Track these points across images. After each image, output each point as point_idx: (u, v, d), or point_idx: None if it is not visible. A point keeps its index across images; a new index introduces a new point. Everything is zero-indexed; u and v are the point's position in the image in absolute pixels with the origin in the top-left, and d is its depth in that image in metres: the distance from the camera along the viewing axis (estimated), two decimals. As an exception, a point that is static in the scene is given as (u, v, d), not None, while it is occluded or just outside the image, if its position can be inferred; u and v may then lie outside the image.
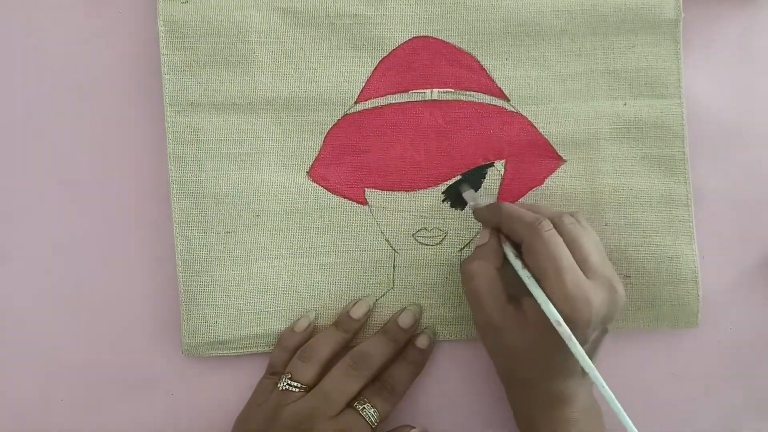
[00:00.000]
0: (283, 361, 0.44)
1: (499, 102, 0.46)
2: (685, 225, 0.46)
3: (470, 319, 0.46)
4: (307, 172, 0.46)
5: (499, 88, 0.46)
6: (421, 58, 0.46)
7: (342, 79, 0.46)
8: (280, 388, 0.42)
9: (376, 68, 0.46)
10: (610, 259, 0.44)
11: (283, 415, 0.41)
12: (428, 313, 0.46)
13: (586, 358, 0.37)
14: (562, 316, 0.37)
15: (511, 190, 0.46)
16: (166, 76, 0.45)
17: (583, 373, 0.40)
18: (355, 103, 0.46)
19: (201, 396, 0.46)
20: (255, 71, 0.45)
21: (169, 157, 0.45)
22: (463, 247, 0.46)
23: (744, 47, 0.49)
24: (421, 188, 0.46)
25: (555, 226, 0.40)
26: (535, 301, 0.39)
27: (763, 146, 0.48)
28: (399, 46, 0.46)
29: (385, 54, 0.46)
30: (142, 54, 0.46)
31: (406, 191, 0.46)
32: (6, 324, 0.46)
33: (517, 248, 0.41)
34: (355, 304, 0.45)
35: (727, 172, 0.48)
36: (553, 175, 0.47)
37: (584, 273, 0.39)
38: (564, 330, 0.37)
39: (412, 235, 0.46)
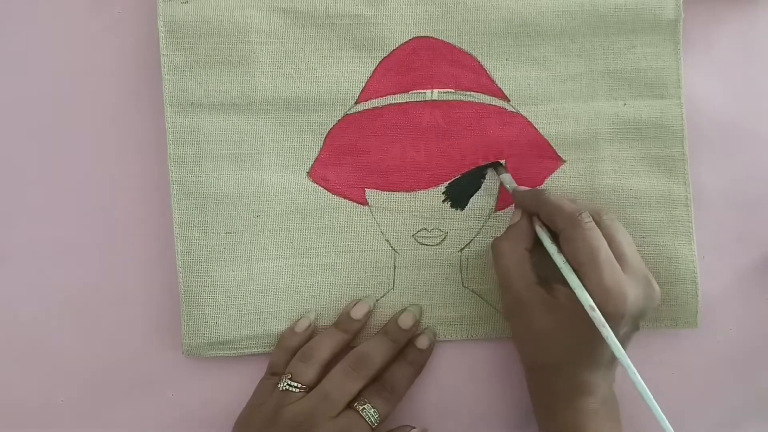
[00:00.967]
0: (284, 362, 0.44)
1: (499, 102, 0.46)
2: (684, 225, 0.46)
3: (471, 320, 0.46)
4: (307, 172, 0.46)
5: (500, 89, 0.46)
6: (422, 59, 0.46)
7: (342, 79, 0.46)
8: (281, 389, 0.42)
9: (376, 68, 0.46)
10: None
11: (284, 416, 0.41)
12: (428, 313, 0.46)
13: (618, 345, 0.37)
14: (597, 307, 0.38)
15: (511, 190, 0.46)
16: (166, 77, 0.45)
17: (609, 364, 0.40)
18: (356, 103, 0.46)
19: (201, 396, 0.46)
20: (255, 71, 0.45)
21: (169, 158, 0.45)
22: (464, 248, 0.46)
23: (744, 47, 0.49)
24: (421, 188, 0.46)
25: (593, 220, 0.40)
26: (568, 286, 0.39)
27: (762, 146, 0.48)
28: (399, 47, 0.46)
29: (385, 54, 0.46)
30: (142, 54, 0.46)
31: (407, 191, 0.46)
32: (6, 324, 0.46)
33: (553, 234, 0.42)
34: (355, 304, 0.45)
35: (726, 172, 0.48)
36: (552, 175, 0.47)
37: (621, 267, 0.39)
38: (597, 316, 0.37)
39: (413, 235, 0.46)
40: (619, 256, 0.40)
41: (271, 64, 0.45)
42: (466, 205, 0.46)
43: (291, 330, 0.45)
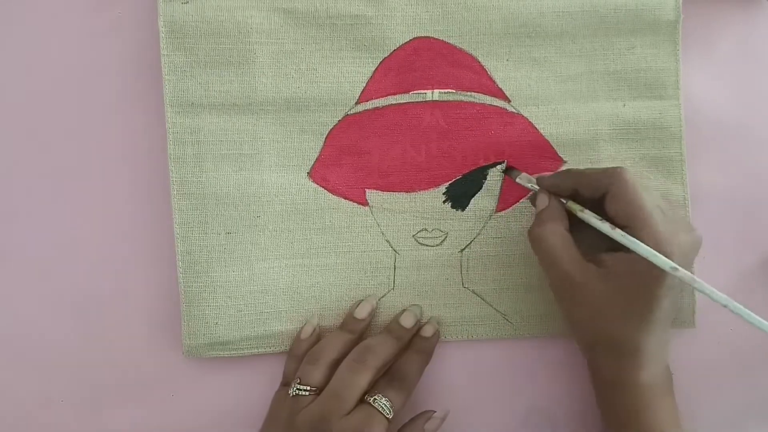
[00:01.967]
0: (294, 370, 0.44)
1: (499, 103, 0.46)
2: (682, 225, 0.47)
3: (471, 320, 0.46)
4: (307, 172, 0.46)
5: (500, 89, 0.46)
6: (422, 59, 0.46)
7: (343, 79, 0.46)
8: (291, 395, 0.42)
9: (377, 69, 0.46)
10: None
11: (298, 422, 0.40)
12: (428, 313, 0.46)
13: (716, 291, 0.37)
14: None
15: (512, 190, 0.46)
16: (167, 77, 0.45)
17: (667, 329, 0.41)
18: (356, 103, 0.46)
19: (201, 397, 0.46)
20: (256, 72, 0.45)
21: (170, 158, 0.45)
22: (464, 248, 0.46)
23: (743, 48, 0.49)
24: (421, 189, 0.46)
25: None
26: (616, 253, 0.39)
27: (762, 147, 0.49)
28: (400, 47, 0.46)
29: (386, 54, 0.46)
30: (143, 55, 0.46)
31: (407, 192, 0.46)
32: (7, 325, 0.46)
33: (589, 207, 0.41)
34: (359, 304, 0.45)
35: (726, 173, 0.48)
36: (553, 175, 0.47)
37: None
38: (683, 273, 0.37)
39: (413, 235, 0.46)
40: (659, 208, 0.40)
41: (271, 65, 0.45)
42: (467, 205, 0.46)
43: (297, 338, 0.45)
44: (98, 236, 0.46)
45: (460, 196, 0.46)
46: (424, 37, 0.46)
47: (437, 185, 0.46)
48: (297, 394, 0.42)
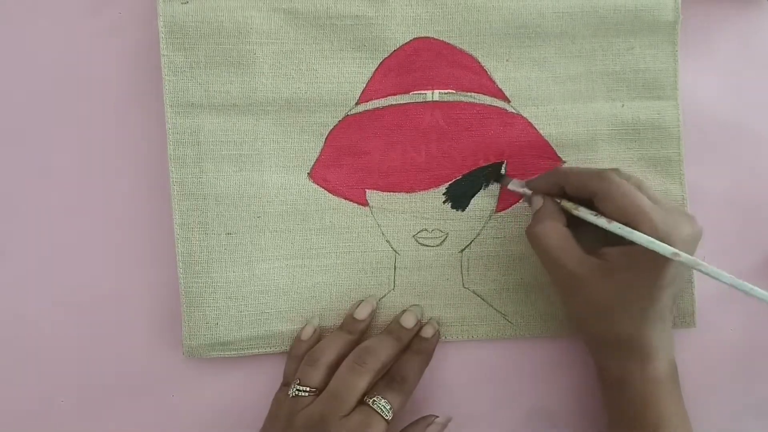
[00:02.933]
0: (294, 371, 0.44)
1: (499, 103, 0.46)
2: (680, 225, 0.47)
3: (471, 321, 0.46)
4: (307, 173, 0.46)
5: (500, 90, 0.46)
6: (422, 59, 0.46)
7: (343, 80, 0.46)
8: (291, 395, 0.42)
9: (377, 69, 0.46)
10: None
11: (297, 422, 0.40)
12: (429, 314, 0.46)
13: (722, 272, 0.37)
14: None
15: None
16: (167, 78, 0.44)
17: (671, 321, 0.41)
18: (356, 104, 0.46)
19: (202, 397, 0.46)
20: (255, 72, 0.45)
21: (170, 159, 0.45)
22: (464, 249, 0.47)
23: (742, 49, 0.49)
24: (422, 189, 0.46)
25: None
26: (616, 247, 0.39)
27: (761, 147, 0.49)
28: (400, 47, 0.46)
29: (386, 55, 0.46)
30: (143, 55, 0.46)
31: (407, 192, 0.46)
32: (7, 325, 0.46)
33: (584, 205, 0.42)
34: (359, 305, 0.45)
35: (725, 173, 0.49)
36: (552, 176, 0.47)
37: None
38: (685, 257, 0.37)
39: (413, 236, 0.47)
40: (654, 201, 0.40)
41: (271, 65, 0.45)
42: (467, 206, 0.46)
43: (298, 339, 0.45)
44: (98, 237, 0.46)
45: (460, 196, 0.46)
46: (425, 37, 0.46)
47: (437, 185, 0.46)
48: (296, 395, 0.41)
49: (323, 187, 0.46)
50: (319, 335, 0.45)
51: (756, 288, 0.36)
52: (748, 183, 0.49)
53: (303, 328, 0.45)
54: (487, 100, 0.46)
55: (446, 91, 0.46)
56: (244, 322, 0.45)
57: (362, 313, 0.45)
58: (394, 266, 0.46)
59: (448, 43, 0.46)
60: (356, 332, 0.44)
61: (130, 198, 0.46)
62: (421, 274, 0.46)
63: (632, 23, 0.46)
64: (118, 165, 0.46)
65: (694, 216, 0.41)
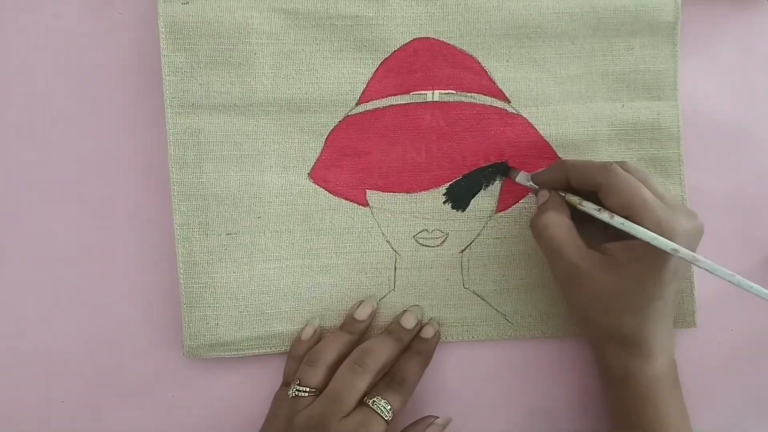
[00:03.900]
0: (294, 371, 0.44)
1: (499, 104, 0.46)
2: (681, 226, 0.47)
3: (471, 321, 0.46)
4: (308, 173, 0.46)
5: (500, 90, 0.46)
6: (423, 60, 0.46)
7: (343, 80, 0.46)
8: (291, 395, 0.42)
9: (377, 70, 0.46)
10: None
11: (296, 423, 0.40)
12: (429, 314, 0.46)
13: (720, 267, 0.37)
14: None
15: (512, 191, 0.47)
16: (167, 78, 0.44)
17: (672, 317, 0.41)
18: (357, 104, 0.46)
19: (202, 398, 0.46)
20: (256, 73, 0.45)
21: (170, 159, 0.45)
22: (464, 249, 0.47)
23: (742, 49, 0.49)
24: (422, 190, 0.46)
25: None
26: (618, 242, 0.39)
27: (761, 148, 0.49)
28: (400, 48, 0.46)
29: (386, 55, 0.46)
30: (143, 55, 0.46)
31: (407, 193, 0.46)
32: (8, 326, 0.46)
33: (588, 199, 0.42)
34: (359, 305, 0.45)
35: (725, 173, 0.49)
36: (553, 176, 0.47)
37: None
38: (685, 252, 0.37)
39: (413, 236, 0.47)
40: (658, 196, 0.40)
41: (271, 65, 0.45)
42: (467, 206, 0.46)
43: (298, 339, 0.45)
44: (99, 237, 0.46)
45: (460, 196, 0.46)
46: (425, 37, 0.46)
47: (437, 186, 0.46)
48: (296, 395, 0.42)
49: (323, 188, 0.46)
50: (320, 335, 0.45)
51: (754, 285, 0.37)
52: (748, 183, 0.49)
53: (303, 329, 0.45)
54: (487, 100, 0.46)
55: (446, 91, 0.46)
56: (244, 323, 0.45)
57: (362, 314, 0.45)
58: (395, 266, 0.46)
59: (448, 44, 0.46)
60: (356, 333, 0.44)
61: (130, 198, 0.46)
62: (421, 275, 0.47)
63: (632, 24, 0.47)
64: (118, 165, 0.46)
65: (695, 212, 0.41)
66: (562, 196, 0.43)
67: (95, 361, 0.46)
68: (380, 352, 0.42)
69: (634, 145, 0.47)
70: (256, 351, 0.45)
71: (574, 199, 0.42)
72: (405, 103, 0.46)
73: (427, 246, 0.47)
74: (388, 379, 0.43)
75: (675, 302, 0.42)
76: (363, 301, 0.46)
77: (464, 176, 0.46)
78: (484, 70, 0.46)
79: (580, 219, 0.42)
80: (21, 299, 0.46)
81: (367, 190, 0.46)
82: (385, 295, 0.46)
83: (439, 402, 0.46)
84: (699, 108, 0.48)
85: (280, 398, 0.43)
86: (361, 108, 0.46)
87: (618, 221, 0.39)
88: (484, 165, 0.46)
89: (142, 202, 0.46)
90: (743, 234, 0.48)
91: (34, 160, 0.46)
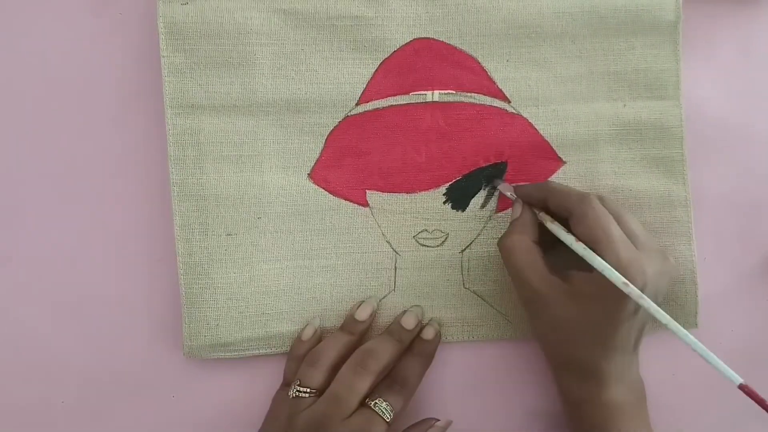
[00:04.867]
0: (294, 371, 0.44)
1: (500, 104, 0.46)
2: (683, 226, 0.47)
3: (472, 321, 0.46)
4: (308, 174, 0.46)
5: (500, 90, 0.46)
6: (423, 60, 0.46)
7: (343, 80, 0.46)
8: (291, 396, 0.42)
9: (377, 70, 0.46)
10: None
11: (297, 424, 0.40)
12: (429, 314, 0.46)
13: (660, 310, 0.37)
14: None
15: (512, 191, 0.47)
16: (167, 78, 0.45)
17: (636, 346, 0.41)
18: (356, 104, 0.46)
19: (202, 399, 0.46)
20: (256, 73, 0.45)
21: (170, 160, 0.45)
22: (465, 249, 0.46)
23: (744, 49, 0.49)
24: (422, 190, 0.46)
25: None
26: (583, 272, 0.39)
27: (763, 147, 0.49)
28: (400, 48, 0.46)
29: (386, 55, 0.46)
30: (143, 56, 0.46)
31: (407, 193, 0.46)
32: (8, 327, 0.46)
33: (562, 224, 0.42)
34: (359, 306, 0.45)
35: (727, 174, 0.48)
36: (553, 176, 0.47)
37: (634, 245, 0.39)
38: (632, 290, 0.37)
39: (413, 236, 0.46)
40: (630, 235, 0.40)
41: (271, 66, 0.45)
42: (467, 206, 0.46)
43: (298, 339, 0.45)
44: (99, 238, 0.46)
45: (460, 196, 0.46)
46: (424, 38, 0.46)
47: (437, 186, 0.46)
48: (297, 396, 0.41)
49: (323, 188, 0.46)
50: (320, 336, 0.45)
51: (689, 335, 0.37)
52: (750, 183, 0.48)
53: (303, 329, 0.45)
54: (487, 100, 0.46)
55: (446, 91, 0.46)
56: (244, 323, 0.45)
57: (363, 314, 0.45)
58: (395, 267, 0.46)
59: (448, 44, 0.46)
60: (357, 333, 0.44)
61: (130, 199, 0.46)
62: (421, 275, 0.46)
63: (633, 23, 0.46)
64: (118, 166, 0.46)
65: (667, 256, 0.41)
66: (535, 213, 0.43)
67: (95, 361, 0.46)
68: (382, 353, 0.42)
69: (637, 145, 0.47)
70: (256, 352, 0.45)
71: (546, 218, 0.42)
72: (405, 104, 0.46)
73: (428, 246, 0.47)
74: (389, 380, 0.43)
75: (638, 335, 0.42)
76: (363, 301, 0.45)
77: (464, 176, 0.46)
78: (484, 70, 0.46)
79: (554, 243, 0.42)
80: (21, 299, 0.46)
81: (367, 191, 0.46)
82: (386, 296, 0.46)
83: (438, 402, 0.46)
84: (700, 107, 0.48)
85: (280, 398, 0.43)
86: (361, 108, 0.46)
87: (579, 247, 0.39)
88: (484, 165, 0.46)
89: (142, 203, 0.46)
90: (744, 234, 0.48)
91: (33, 160, 0.46)
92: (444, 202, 0.46)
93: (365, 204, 0.46)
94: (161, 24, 0.44)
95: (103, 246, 0.46)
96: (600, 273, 0.38)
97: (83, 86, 0.46)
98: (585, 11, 0.46)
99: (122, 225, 0.46)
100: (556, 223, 0.42)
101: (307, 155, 0.46)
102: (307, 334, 0.45)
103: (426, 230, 0.46)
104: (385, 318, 0.46)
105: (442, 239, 0.47)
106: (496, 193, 0.47)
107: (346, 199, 0.46)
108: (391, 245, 0.46)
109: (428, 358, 0.45)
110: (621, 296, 0.38)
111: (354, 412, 0.40)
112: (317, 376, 0.42)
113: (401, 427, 0.43)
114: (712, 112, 0.48)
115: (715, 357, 0.37)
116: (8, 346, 0.46)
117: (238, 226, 0.45)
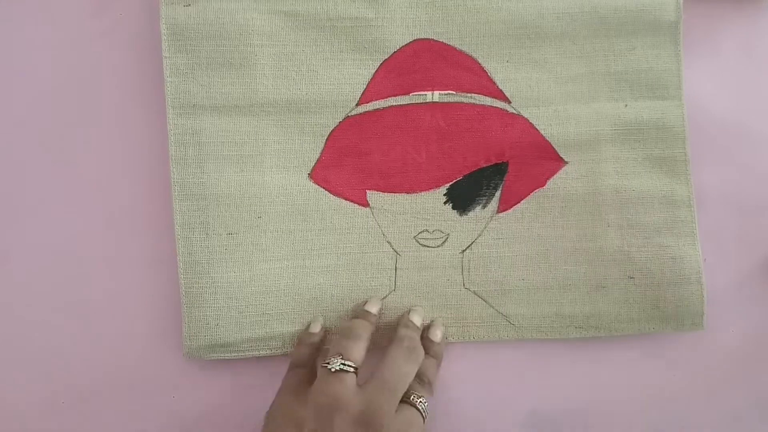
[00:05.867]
0: (308, 355, 0.43)
1: (500, 104, 0.46)
2: (687, 226, 0.46)
3: (472, 321, 0.46)
4: (308, 174, 0.46)
5: (501, 90, 0.46)
6: (423, 61, 0.46)
7: (343, 81, 0.46)
8: (332, 370, 0.40)
9: (377, 70, 0.46)
10: (613, 261, 0.44)
11: (350, 411, 0.38)
12: (430, 315, 0.46)
13: None
14: None
15: (513, 191, 0.46)
16: (168, 79, 0.45)
17: None
18: (357, 105, 0.46)
19: (202, 399, 0.46)
20: (257, 74, 0.45)
21: (171, 159, 0.45)
22: (465, 249, 0.46)
23: (745, 48, 0.49)
24: (422, 190, 0.46)
25: None
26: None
27: (765, 147, 0.48)
28: (400, 49, 0.46)
29: (386, 56, 0.46)
30: (145, 56, 0.46)
31: (408, 193, 0.46)
32: (8, 327, 0.46)
33: None
34: (365, 304, 0.45)
35: (730, 174, 0.48)
36: (555, 176, 0.47)
37: None
38: None
39: (414, 237, 0.46)
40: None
41: (272, 67, 0.46)
42: (468, 206, 0.46)
43: (306, 329, 0.45)
44: (99, 238, 0.46)
45: (461, 197, 0.46)
46: (425, 38, 0.46)
47: (438, 186, 0.46)
48: (341, 369, 0.40)
49: (324, 188, 0.46)
50: (325, 332, 0.45)
51: None
52: (752, 182, 0.48)
53: (311, 323, 0.45)
54: (488, 100, 0.46)
55: (446, 92, 0.46)
56: (244, 323, 0.45)
57: (373, 307, 0.45)
58: (395, 267, 0.46)
59: (448, 45, 0.46)
60: (373, 323, 0.44)
61: (131, 198, 0.46)
62: (422, 275, 0.46)
63: (633, 23, 0.46)
64: (119, 166, 0.47)
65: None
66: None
67: (95, 361, 0.46)
68: (420, 348, 0.42)
69: (639, 145, 0.47)
70: (256, 352, 0.45)
71: None
72: (405, 104, 0.46)
73: (428, 246, 0.46)
74: (419, 378, 0.43)
75: None
76: (369, 299, 0.45)
77: (465, 176, 0.46)
78: (484, 70, 0.46)
79: None
80: (21, 299, 0.46)
81: (368, 191, 0.46)
82: (386, 296, 0.46)
83: (439, 402, 0.46)
84: (701, 108, 0.48)
85: (298, 378, 0.42)
86: (362, 108, 0.46)
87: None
88: (484, 165, 0.46)
89: (142, 202, 0.46)
90: (748, 233, 0.48)
91: (34, 160, 0.47)
92: (445, 203, 0.46)
93: (365, 204, 0.46)
94: (164, 25, 0.45)
95: (103, 246, 0.46)
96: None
97: (84, 87, 0.47)
98: (585, 12, 0.46)
99: (123, 225, 0.46)
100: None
101: (308, 155, 0.46)
102: (315, 327, 0.45)
103: (426, 230, 0.46)
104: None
105: (443, 239, 0.46)
106: (497, 194, 0.46)
107: (346, 199, 0.46)
108: (391, 245, 0.46)
109: (440, 359, 0.45)
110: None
111: (399, 407, 0.40)
112: (359, 351, 0.41)
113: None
114: (714, 111, 0.48)
115: None
116: (8, 346, 0.46)
117: (238, 225, 0.45)
